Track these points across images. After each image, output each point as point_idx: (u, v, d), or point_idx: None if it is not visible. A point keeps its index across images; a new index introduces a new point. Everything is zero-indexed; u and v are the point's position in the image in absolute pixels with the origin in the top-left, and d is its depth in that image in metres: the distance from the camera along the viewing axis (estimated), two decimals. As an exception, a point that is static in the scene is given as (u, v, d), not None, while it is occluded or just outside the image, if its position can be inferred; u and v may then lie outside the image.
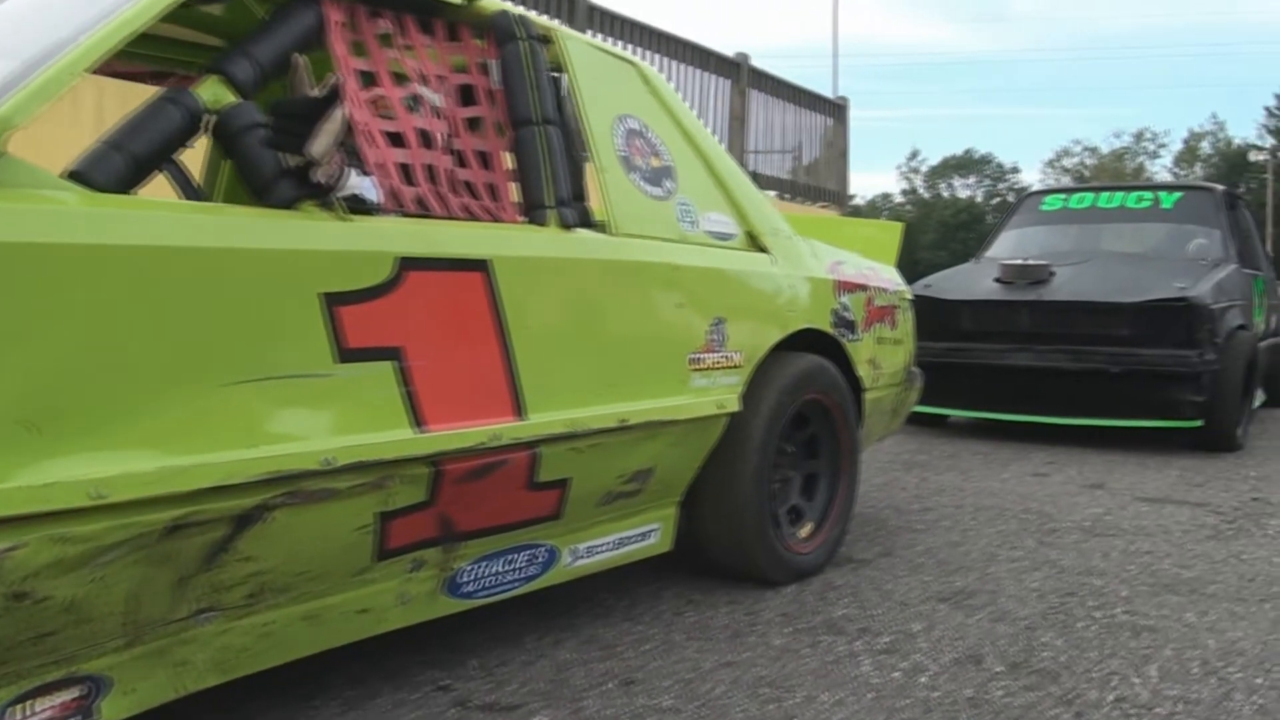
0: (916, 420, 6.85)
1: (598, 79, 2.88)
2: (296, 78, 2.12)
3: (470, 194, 2.51)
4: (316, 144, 2.02)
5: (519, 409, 2.36)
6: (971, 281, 6.76)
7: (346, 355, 2.05)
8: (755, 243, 3.23)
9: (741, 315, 3.03)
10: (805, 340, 3.33)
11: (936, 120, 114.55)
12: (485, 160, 2.59)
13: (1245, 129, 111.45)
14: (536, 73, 2.62)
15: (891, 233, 4.23)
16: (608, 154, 2.79)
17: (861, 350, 3.61)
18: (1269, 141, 65.64)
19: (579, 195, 2.74)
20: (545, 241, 2.51)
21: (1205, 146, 77.89)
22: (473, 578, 2.46)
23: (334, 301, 2.03)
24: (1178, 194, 7.46)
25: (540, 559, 2.62)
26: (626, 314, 2.68)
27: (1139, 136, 77.52)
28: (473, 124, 2.62)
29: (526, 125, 2.58)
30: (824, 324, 3.41)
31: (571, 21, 9.14)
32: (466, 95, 2.63)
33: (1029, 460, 5.69)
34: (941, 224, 74.00)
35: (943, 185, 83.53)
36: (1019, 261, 6.57)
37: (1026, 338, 6.22)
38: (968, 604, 3.10)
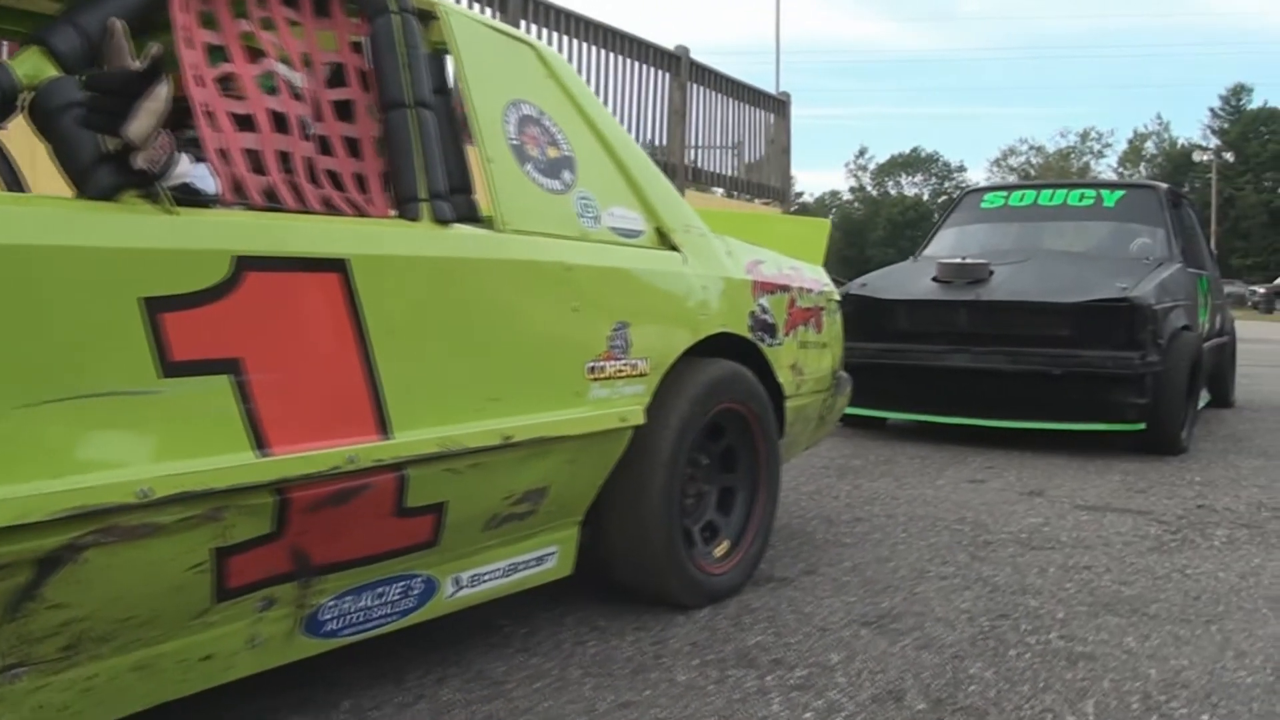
0: (853, 423, 6.66)
1: (488, 60, 2.62)
2: (113, 46, 1.84)
3: (335, 185, 2.25)
4: (134, 125, 1.74)
5: (383, 427, 2.10)
6: (908, 280, 6.56)
7: (172, 369, 1.78)
8: (665, 240, 2.98)
9: (647, 319, 2.79)
10: (720, 345, 3.09)
11: (885, 118, 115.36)
12: (355, 148, 2.33)
13: (1189, 129, 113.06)
14: (410, 49, 2.36)
15: (819, 230, 4.00)
16: (496, 142, 2.53)
17: (783, 355, 3.38)
18: (1213, 142, 66.56)
19: (463, 188, 2.47)
20: (416, 238, 2.25)
21: (1150, 146, 78.85)
22: (336, 614, 2.20)
23: (157, 307, 1.77)
24: (1120, 192, 7.30)
25: (416, 591, 2.36)
26: (513, 320, 2.42)
27: (1084, 136, 78.38)
28: (343, 108, 2.36)
29: (398, 108, 2.32)
30: (740, 327, 3.17)
31: (504, 11, 8.87)
32: (337, 76, 2.37)
33: (967, 465, 5.50)
34: (890, 221, 74.38)
35: (890, 183, 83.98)
36: (957, 260, 6.38)
37: (964, 338, 6.02)
38: (892, 629, 2.87)
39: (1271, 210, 65.29)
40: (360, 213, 2.22)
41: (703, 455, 3.12)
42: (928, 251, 7.39)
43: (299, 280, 2.00)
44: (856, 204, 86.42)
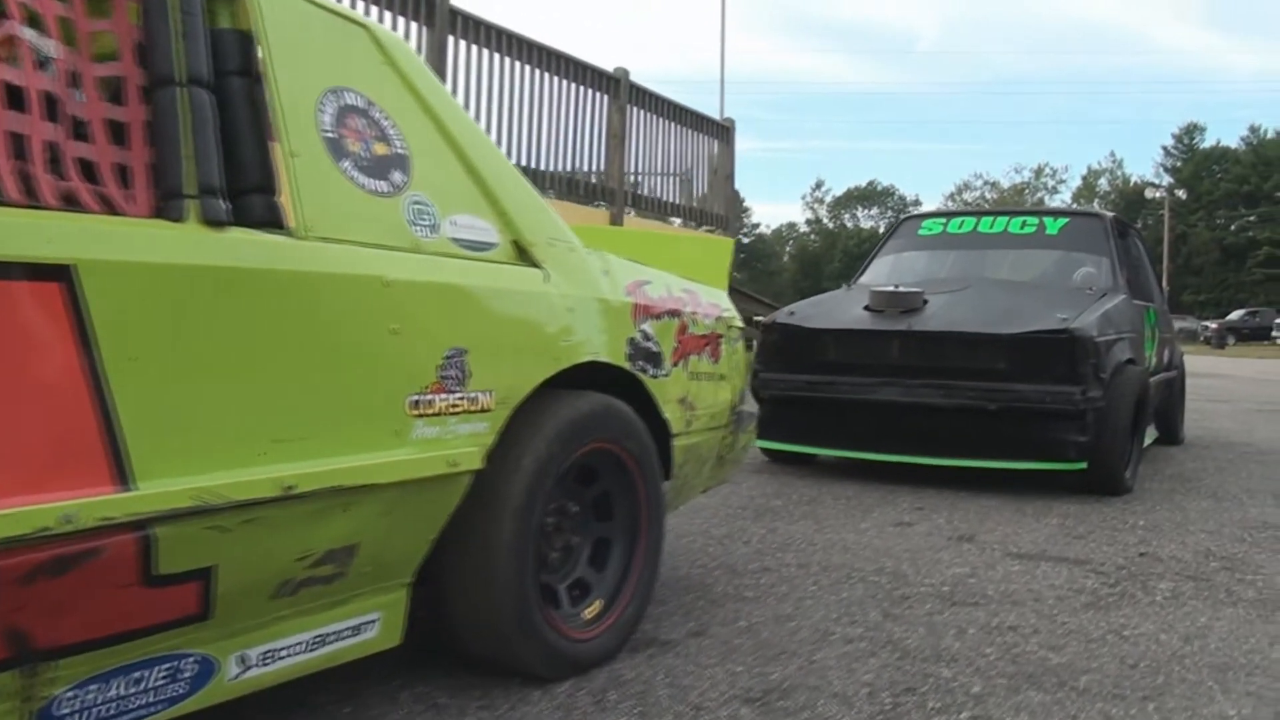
0: (781, 460, 6.29)
1: (303, 38, 2.22)
2: None
3: (87, 177, 1.84)
4: None
5: (120, 476, 1.68)
6: (839, 309, 6.20)
7: None
8: (524, 255, 2.58)
9: (493, 346, 2.39)
10: (593, 376, 2.70)
11: (841, 152, 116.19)
12: (120, 135, 1.92)
13: (1143, 167, 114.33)
14: (188, 17, 1.95)
15: (720, 251, 3.63)
16: (305, 134, 2.13)
17: (669, 387, 2.99)
18: (1166, 179, 67.24)
19: (263, 187, 2.05)
20: (173, 242, 1.83)
21: (1103, 183, 79.62)
22: (79, 708, 1.77)
23: None
24: (1064, 220, 6.98)
25: (188, 673, 1.93)
26: (308, 344, 2.01)
27: (1039, 172, 79.09)
28: (111, 86, 1.95)
29: (166, 87, 1.91)
30: (617, 356, 2.78)
31: (430, 25, 8.49)
32: (107, 49, 1.96)
33: (895, 506, 5.12)
34: (846, 253, 74.68)
35: (846, 216, 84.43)
36: (889, 289, 6.03)
37: (896, 371, 5.66)
38: (779, 706, 2.48)
39: (1224, 247, 65.98)
40: (114, 210, 1.81)
41: (571, 502, 2.72)
42: (863, 280, 7.03)
43: (4, 290, 1.59)
44: (813, 236, 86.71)
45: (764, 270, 79.08)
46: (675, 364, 3.03)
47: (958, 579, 3.73)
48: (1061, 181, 79.85)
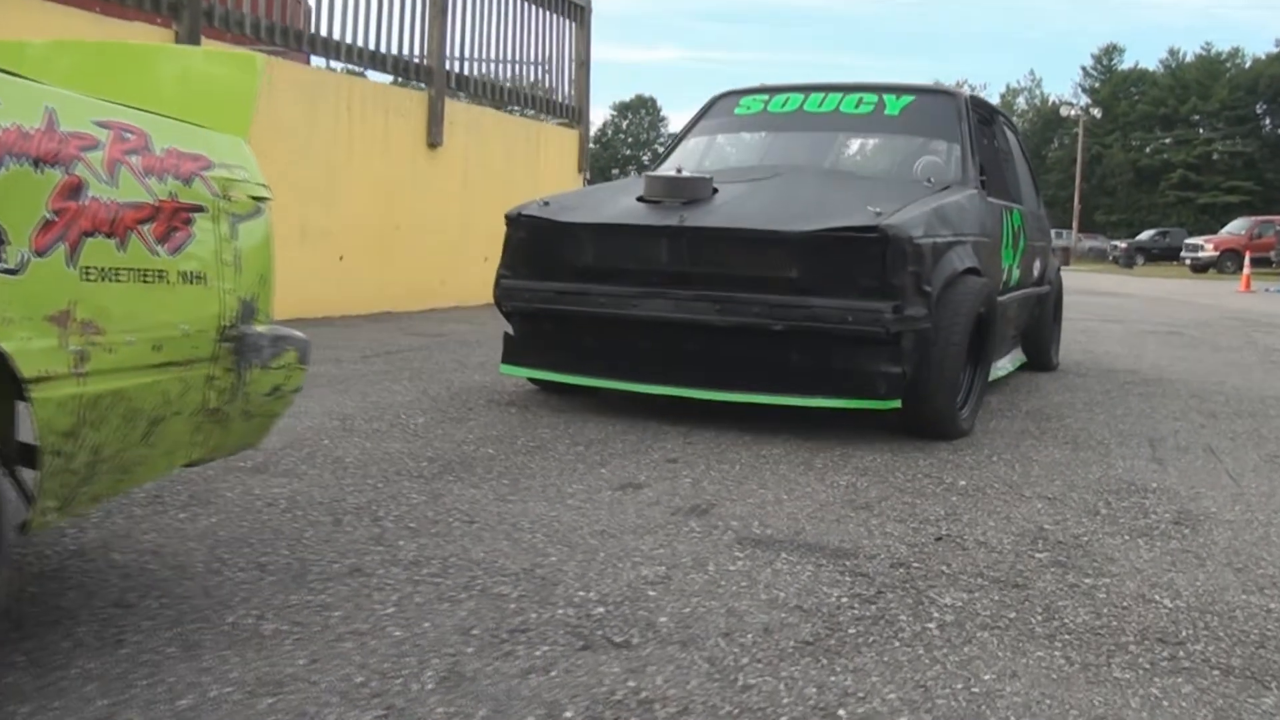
0: (560, 390, 5.00)
1: None
2: None
3: None
4: None
5: None
6: (609, 200, 4.84)
7: None
8: None
9: None
10: None
11: (759, 65, 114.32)
12: None
13: (1061, 87, 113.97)
14: None
15: (243, 73, 2.24)
16: None
17: (27, 292, 1.65)
18: (1083, 100, 66.58)
19: None
20: None
21: (1021, 102, 78.96)
22: None
23: None
24: (908, 98, 5.60)
25: None
26: None
27: (956, 87, 78.18)
28: None
29: None
30: None
31: None
32: None
33: (642, 458, 3.83)
34: (760, 167, 73.25)
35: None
36: (669, 173, 4.70)
37: (665, 279, 4.35)
38: None
39: (1138, 169, 65.73)
40: None
41: None
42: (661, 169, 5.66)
43: None
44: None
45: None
46: (42, 250, 1.68)
47: (634, 589, 2.45)
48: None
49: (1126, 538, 3.05)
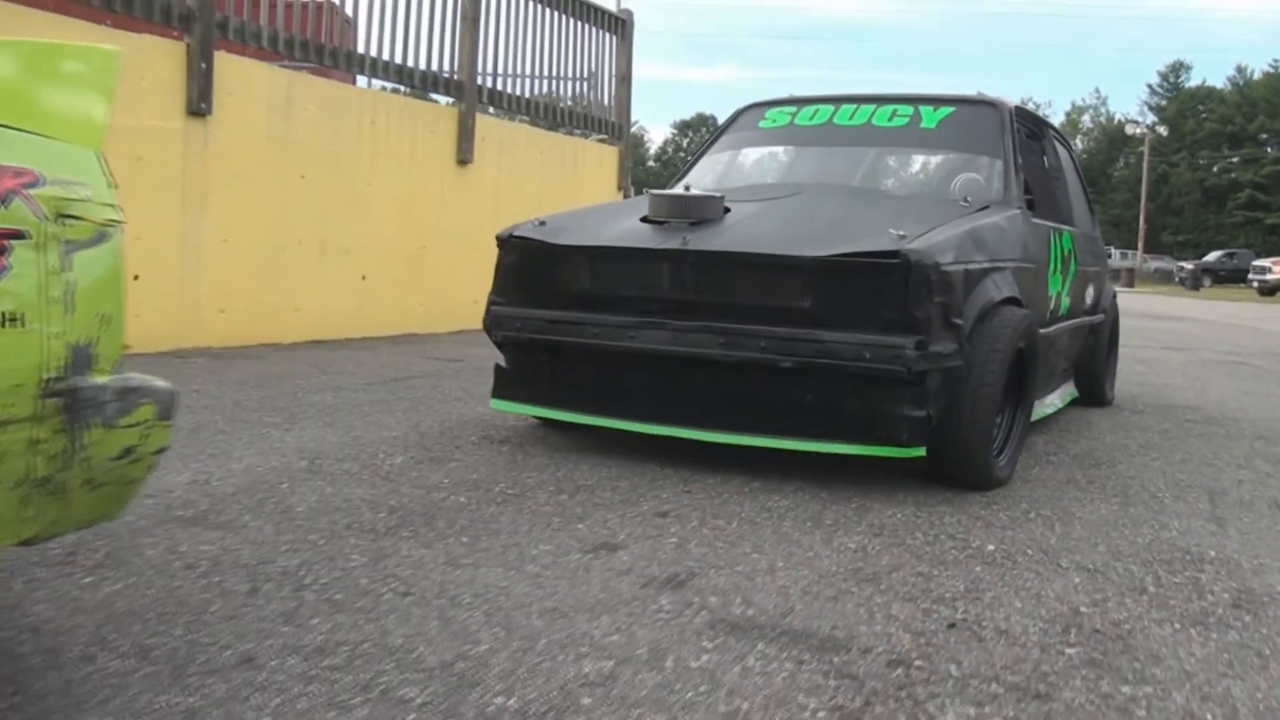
0: (561, 429, 4.59)
1: None
2: None
3: None
4: None
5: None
6: (610, 220, 4.43)
7: None
8: None
9: None
10: None
11: (820, 83, 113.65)
12: None
13: (1127, 104, 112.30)
14: None
15: (98, 66, 1.86)
16: None
17: None
18: (1149, 118, 65.45)
19: None
20: None
21: (1086, 120, 77.85)
22: None
23: None
24: (947, 109, 5.13)
25: None
26: None
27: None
28: None
29: None
30: None
31: None
32: None
33: (630, 511, 3.41)
34: (819, 186, 72.97)
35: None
36: (676, 191, 4.29)
37: (667, 308, 3.93)
38: None
39: (1205, 188, 64.47)
40: None
41: None
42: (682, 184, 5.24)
43: None
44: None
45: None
46: None
47: (566, 694, 2.02)
48: (1045, 116, 77.90)
49: (1177, 626, 2.58)
